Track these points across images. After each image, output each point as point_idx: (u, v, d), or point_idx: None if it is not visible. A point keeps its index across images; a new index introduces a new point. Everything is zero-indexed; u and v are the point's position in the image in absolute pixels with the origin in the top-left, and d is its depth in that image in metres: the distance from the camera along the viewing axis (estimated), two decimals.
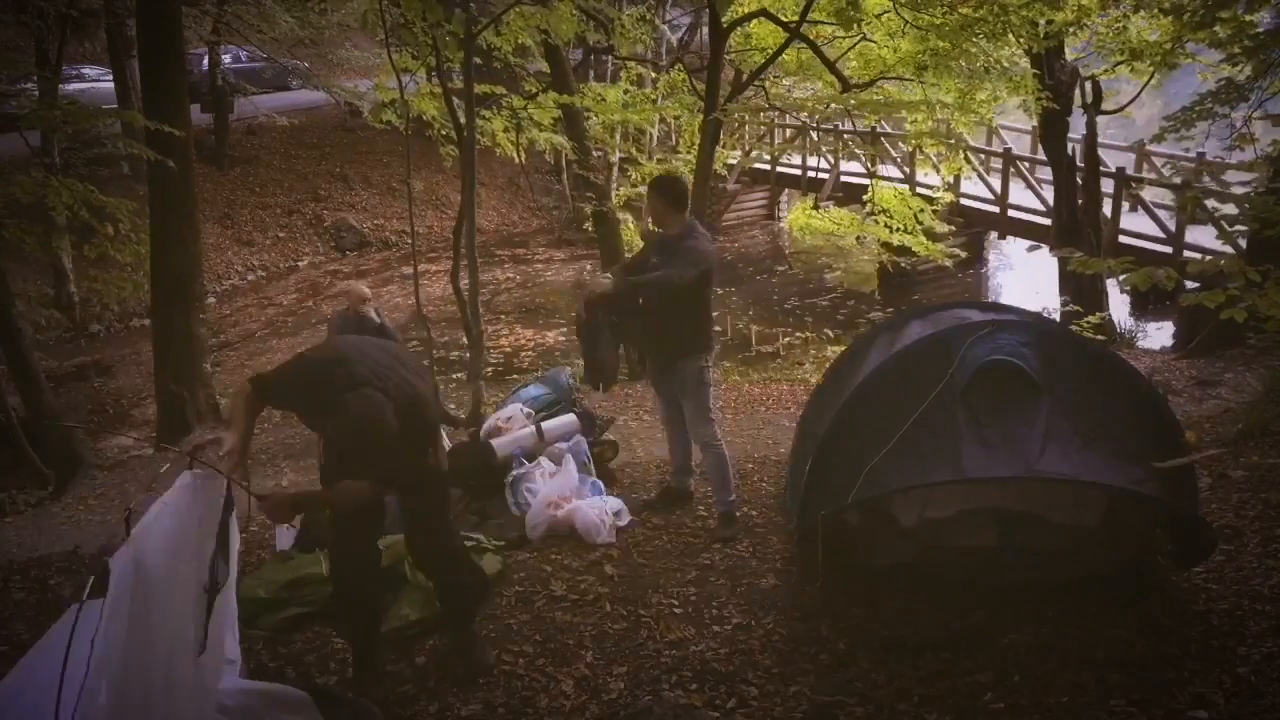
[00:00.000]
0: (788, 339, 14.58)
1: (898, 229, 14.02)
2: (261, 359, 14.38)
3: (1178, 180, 12.16)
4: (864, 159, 17.55)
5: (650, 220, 4.73)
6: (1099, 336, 8.33)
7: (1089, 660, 3.42)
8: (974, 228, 16.78)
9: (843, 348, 11.43)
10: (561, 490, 5.03)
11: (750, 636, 3.79)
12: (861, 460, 3.71)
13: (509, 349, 13.82)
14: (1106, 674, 3.34)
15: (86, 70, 18.98)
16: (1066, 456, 3.49)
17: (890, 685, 3.40)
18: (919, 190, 15.83)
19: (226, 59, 20.20)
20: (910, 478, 3.65)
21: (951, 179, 15.20)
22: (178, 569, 2.72)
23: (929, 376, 3.79)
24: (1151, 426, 3.80)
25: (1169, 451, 3.69)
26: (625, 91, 13.53)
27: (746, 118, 19.39)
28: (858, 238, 16.00)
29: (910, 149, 15.86)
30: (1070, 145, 12.38)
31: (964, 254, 15.97)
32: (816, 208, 16.85)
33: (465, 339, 8.95)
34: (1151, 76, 11.99)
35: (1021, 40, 10.22)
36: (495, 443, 5.51)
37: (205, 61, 19.37)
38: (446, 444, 7.39)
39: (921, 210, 14.22)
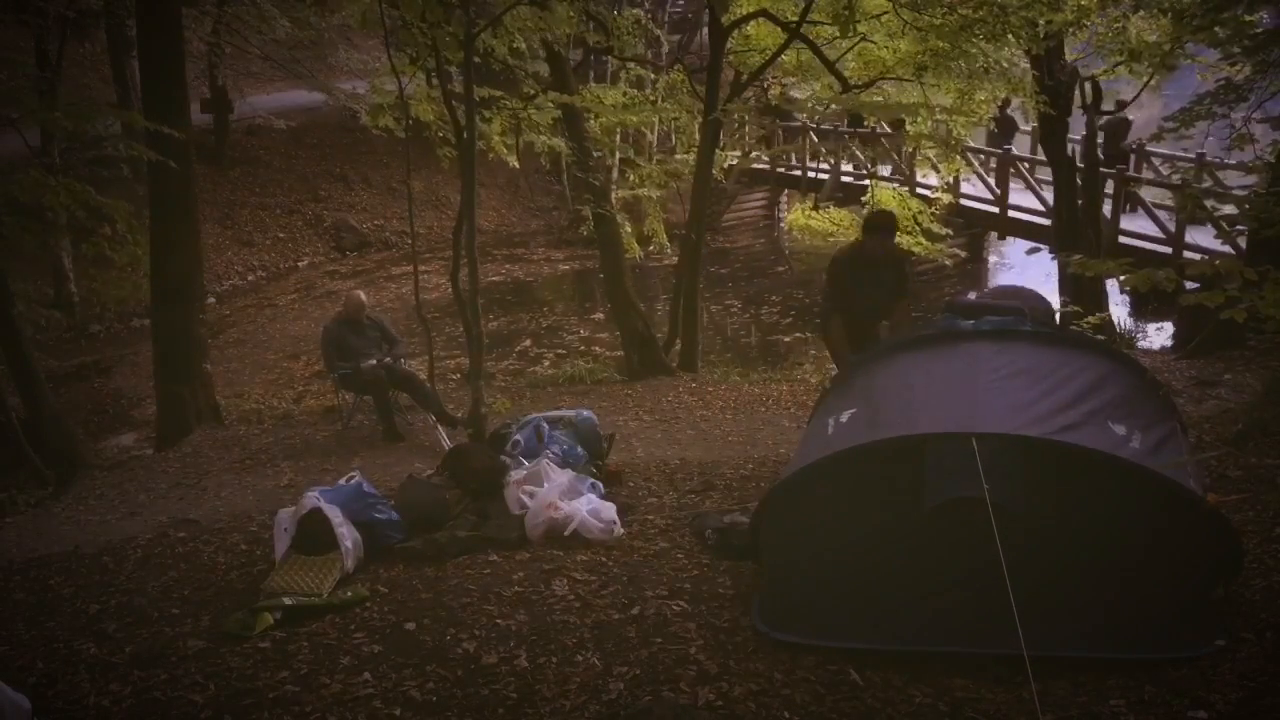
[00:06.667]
0: (788, 339, 14.60)
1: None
2: (260, 359, 14.39)
3: (1177, 180, 12.18)
4: (864, 160, 17.57)
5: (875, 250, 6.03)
6: (1099, 337, 8.32)
7: (1089, 660, 3.42)
8: (974, 228, 16.80)
9: None
10: (561, 491, 5.03)
11: (749, 638, 3.79)
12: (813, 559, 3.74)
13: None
14: (1106, 674, 3.35)
15: None
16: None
17: (886, 688, 3.40)
18: (919, 191, 15.85)
19: None
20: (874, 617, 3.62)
21: (951, 179, 15.23)
22: None
23: (897, 481, 3.62)
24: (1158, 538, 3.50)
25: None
26: (624, 94, 13.54)
27: (746, 118, 19.41)
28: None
29: (909, 150, 15.89)
30: (1070, 145, 12.39)
31: (964, 254, 16.00)
32: (816, 208, 16.87)
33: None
34: (1151, 78, 12.00)
35: (1021, 41, 10.23)
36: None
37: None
38: (446, 444, 7.44)
39: (920, 212, 14.25)
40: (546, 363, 13.53)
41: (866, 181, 16.15)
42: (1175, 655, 3.38)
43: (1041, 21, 9.94)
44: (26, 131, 11.08)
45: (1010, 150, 15.38)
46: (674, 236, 15.90)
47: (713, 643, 3.75)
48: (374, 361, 8.17)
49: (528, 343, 14.92)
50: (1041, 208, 14.11)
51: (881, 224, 6.26)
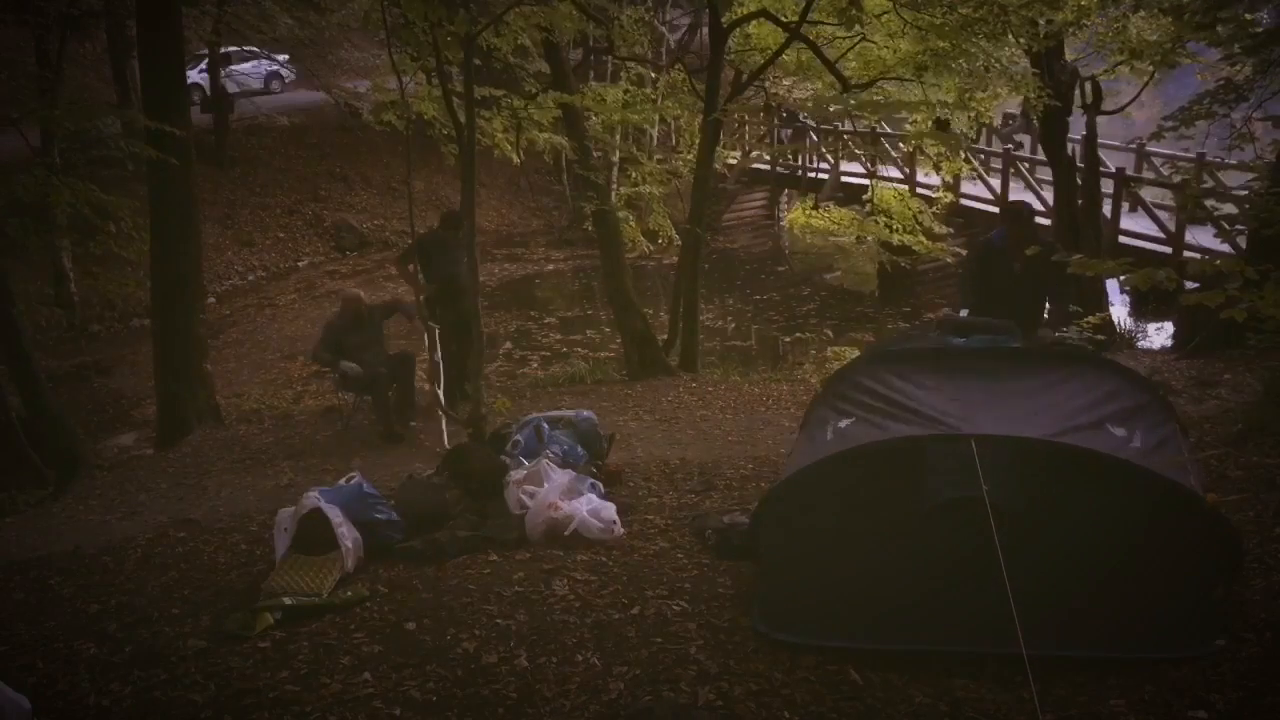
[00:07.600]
0: (788, 339, 14.60)
1: (898, 229, 14.05)
2: (259, 359, 14.40)
3: (1178, 180, 12.18)
4: (864, 160, 17.57)
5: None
6: (1099, 337, 8.31)
7: (1089, 660, 3.42)
8: (974, 228, 16.78)
9: (843, 349, 11.54)
10: (561, 491, 5.03)
11: (749, 638, 3.79)
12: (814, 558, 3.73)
13: None
14: (1106, 674, 3.35)
15: None
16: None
17: (886, 688, 3.40)
18: (919, 190, 15.85)
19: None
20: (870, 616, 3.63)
21: (951, 179, 15.22)
22: None
23: (896, 483, 3.67)
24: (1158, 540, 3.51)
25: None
26: (625, 91, 13.54)
27: (746, 118, 19.42)
28: (857, 238, 16.01)
29: (910, 149, 15.88)
30: (1070, 145, 12.38)
31: (964, 253, 15.98)
32: (816, 208, 16.87)
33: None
34: (1152, 76, 12.01)
35: (1021, 40, 10.23)
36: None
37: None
38: (447, 444, 7.43)
39: (921, 211, 14.25)
40: (543, 362, 13.54)
41: (867, 180, 16.15)
42: (1175, 655, 3.38)
43: (1042, 21, 9.94)
44: (27, 131, 11.09)
45: (1010, 150, 15.37)
46: (680, 229, 15.92)
47: (713, 643, 3.75)
48: (355, 366, 8.07)
49: (525, 343, 14.92)
50: (1042, 207, 14.09)
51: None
